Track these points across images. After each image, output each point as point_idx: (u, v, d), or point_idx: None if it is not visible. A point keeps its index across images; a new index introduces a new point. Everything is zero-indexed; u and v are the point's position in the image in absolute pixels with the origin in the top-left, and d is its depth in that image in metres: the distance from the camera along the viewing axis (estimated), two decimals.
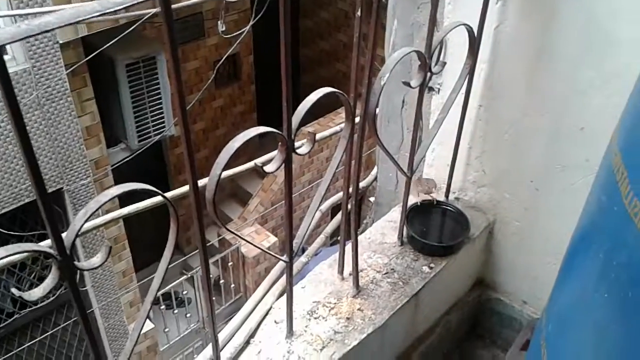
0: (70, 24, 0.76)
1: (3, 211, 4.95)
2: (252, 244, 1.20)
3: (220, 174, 1.04)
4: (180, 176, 8.08)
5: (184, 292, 7.07)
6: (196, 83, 7.56)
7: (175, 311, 6.94)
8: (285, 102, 1.09)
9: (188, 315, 7.06)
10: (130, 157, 5.94)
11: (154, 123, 6.31)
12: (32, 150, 0.76)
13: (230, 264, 7.09)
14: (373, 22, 1.20)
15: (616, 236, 0.71)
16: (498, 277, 1.86)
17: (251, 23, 5.25)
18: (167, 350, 7.15)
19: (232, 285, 7.44)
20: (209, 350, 1.27)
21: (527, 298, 1.81)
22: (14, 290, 0.84)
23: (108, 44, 4.66)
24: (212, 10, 7.24)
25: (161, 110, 6.32)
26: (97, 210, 0.88)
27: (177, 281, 6.93)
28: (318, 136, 2.92)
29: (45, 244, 2.57)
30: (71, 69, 4.95)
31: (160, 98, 6.26)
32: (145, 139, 6.24)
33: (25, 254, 0.82)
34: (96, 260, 0.92)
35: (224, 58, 5.45)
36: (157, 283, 1.05)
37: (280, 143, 1.16)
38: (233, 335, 1.47)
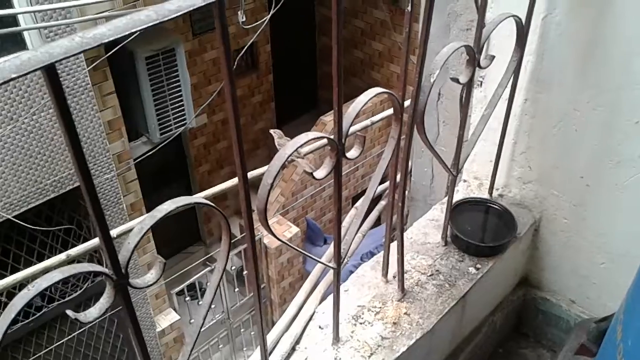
0: (125, 35, 0.72)
1: (29, 206, 4.97)
2: (309, 255, 1.15)
3: (273, 183, 1.00)
4: (200, 168, 8.06)
5: (208, 284, 7.10)
6: (214, 74, 7.52)
7: (200, 302, 6.98)
8: (336, 105, 1.05)
9: (212, 306, 7.10)
10: (153, 150, 5.93)
11: (175, 116, 6.29)
12: (88, 171, 0.73)
13: None
14: (425, 18, 1.14)
15: None
16: (544, 276, 1.80)
17: (272, 12, 5.18)
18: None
19: None
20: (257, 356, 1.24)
21: (576, 297, 1.75)
22: (69, 312, 0.80)
23: (129, 38, 4.62)
24: None
25: (181, 103, 6.30)
26: (152, 226, 0.84)
27: (201, 273, 6.97)
28: (356, 127, 2.84)
29: (88, 246, 2.51)
30: (93, 65, 4.93)
31: (180, 90, 6.24)
32: (166, 132, 6.22)
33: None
34: (150, 277, 0.88)
35: (245, 48, 5.37)
36: (209, 297, 1.02)
37: (330, 148, 1.11)
38: (278, 341, 1.44)
